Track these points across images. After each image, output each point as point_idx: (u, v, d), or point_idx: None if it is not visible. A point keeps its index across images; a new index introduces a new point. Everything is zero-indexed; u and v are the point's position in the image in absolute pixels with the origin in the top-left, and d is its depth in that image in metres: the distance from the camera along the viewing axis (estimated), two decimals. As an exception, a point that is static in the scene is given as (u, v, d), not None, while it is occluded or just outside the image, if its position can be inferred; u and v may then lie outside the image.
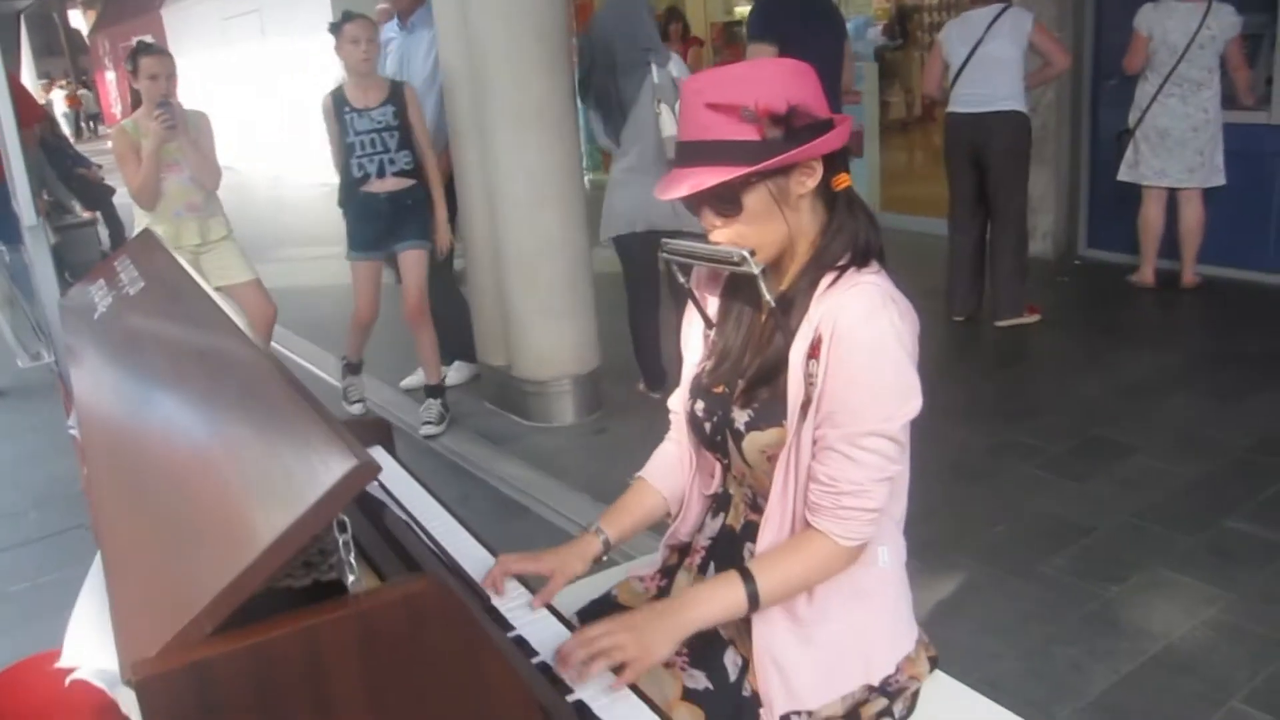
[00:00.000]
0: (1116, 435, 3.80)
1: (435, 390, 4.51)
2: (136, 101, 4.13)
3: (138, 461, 1.18)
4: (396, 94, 4.22)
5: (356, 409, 4.69)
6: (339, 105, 4.20)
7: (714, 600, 1.44)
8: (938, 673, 1.68)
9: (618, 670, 1.36)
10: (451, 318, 4.80)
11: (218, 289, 4.49)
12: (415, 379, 4.89)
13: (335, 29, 4.13)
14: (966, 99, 5.02)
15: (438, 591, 0.88)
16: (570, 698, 1.32)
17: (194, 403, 1.22)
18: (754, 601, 1.42)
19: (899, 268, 1.49)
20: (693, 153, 1.43)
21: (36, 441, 4.60)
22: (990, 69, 4.91)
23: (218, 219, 4.32)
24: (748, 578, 1.42)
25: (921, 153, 8.31)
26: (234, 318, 1.31)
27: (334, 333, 6.05)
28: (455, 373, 4.99)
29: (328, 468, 0.85)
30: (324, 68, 9.15)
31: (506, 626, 1.45)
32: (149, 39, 4.15)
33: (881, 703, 1.54)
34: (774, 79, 1.42)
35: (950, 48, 5.07)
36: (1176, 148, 5.20)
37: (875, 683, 1.52)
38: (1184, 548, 3.02)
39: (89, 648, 0.97)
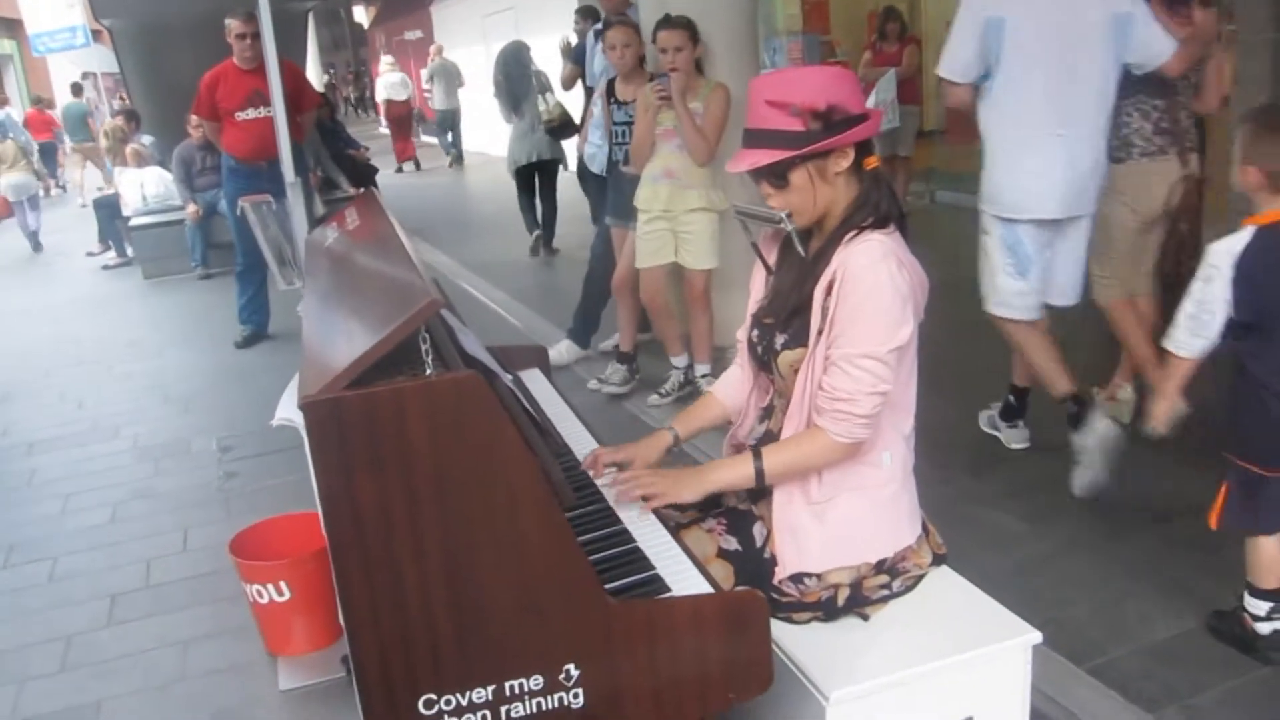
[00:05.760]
0: None
1: (624, 359, 4.95)
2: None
3: (323, 308, 1.90)
4: None
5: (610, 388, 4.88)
6: (609, 94, 4.67)
7: (731, 469, 1.90)
8: (945, 567, 2.05)
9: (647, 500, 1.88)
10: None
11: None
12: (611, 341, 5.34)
13: (599, 35, 4.51)
14: None
15: (476, 381, 1.40)
16: (629, 545, 1.80)
17: (360, 276, 1.95)
18: (760, 476, 1.86)
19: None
20: (754, 138, 1.87)
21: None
22: None
23: (694, 192, 4.30)
24: (757, 455, 1.86)
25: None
26: (408, 244, 1.87)
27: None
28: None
29: (414, 303, 1.44)
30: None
31: (590, 487, 1.99)
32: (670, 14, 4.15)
33: (882, 579, 1.94)
34: (818, 83, 1.83)
35: None
36: None
37: (873, 560, 1.92)
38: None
39: (286, 408, 1.65)
